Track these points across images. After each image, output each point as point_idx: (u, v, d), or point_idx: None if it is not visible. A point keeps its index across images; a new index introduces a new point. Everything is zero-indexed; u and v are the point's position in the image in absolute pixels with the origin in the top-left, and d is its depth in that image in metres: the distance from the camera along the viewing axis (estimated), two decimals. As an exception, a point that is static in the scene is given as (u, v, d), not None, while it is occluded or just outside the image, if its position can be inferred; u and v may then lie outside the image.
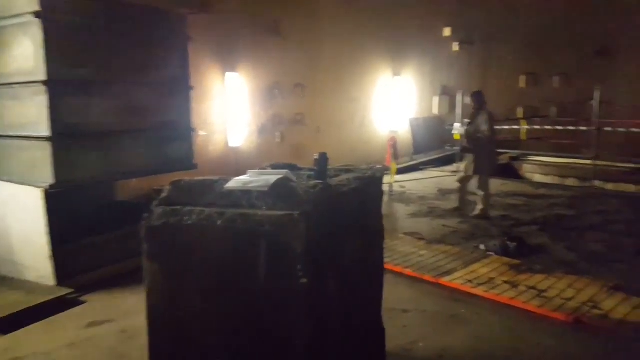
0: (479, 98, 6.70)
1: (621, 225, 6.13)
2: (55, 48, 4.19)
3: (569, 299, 3.92)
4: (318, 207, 2.00)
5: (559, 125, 10.58)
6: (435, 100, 12.42)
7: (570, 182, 10.47)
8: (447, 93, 12.35)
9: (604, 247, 5.31)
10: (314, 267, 1.98)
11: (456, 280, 4.43)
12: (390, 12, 10.75)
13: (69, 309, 4.02)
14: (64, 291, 4.22)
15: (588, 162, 9.83)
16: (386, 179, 8.05)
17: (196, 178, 2.53)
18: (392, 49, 11.15)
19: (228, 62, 8.71)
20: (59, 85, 4.25)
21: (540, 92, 13.61)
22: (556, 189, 8.86)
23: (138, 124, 5.12)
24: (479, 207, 6.70)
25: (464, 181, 6.88)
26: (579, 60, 13.13)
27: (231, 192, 2.21)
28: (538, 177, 11.26)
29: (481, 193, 6.68)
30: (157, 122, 5.34)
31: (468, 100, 6.79)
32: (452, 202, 7.28)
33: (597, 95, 8.65)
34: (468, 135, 6.71)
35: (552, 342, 3.42)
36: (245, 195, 2.17)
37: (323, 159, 2.54)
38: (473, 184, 6.80)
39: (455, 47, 12.59)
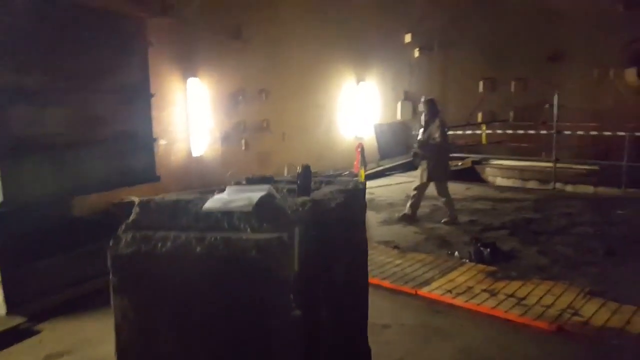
0: (431, 105, 6.79)
1: (587, 227, 6.26)
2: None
3: (549, 306, 3.91)
4: (309, 228, 1.82)
5: (519, 129, 10.85)
6: (399, 105, 12.49)
7: (531, 184, 10.74)
8: (409, 98, 12.45)
9: (573, 250, 5.38)
10: (307, 295, 1.79)
11: (435, 290, 4.34)
12: (352, 18, 10.72)
13: (23, 340, 3.65)
14: (16, 320, 3.84)
15: (547, 164, 10.12)
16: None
17: (167, 197, 2.29)
18: (355, 55, 11.13)
19: (189, 68, 8.40)
20: (4, 94, 3.89)
21: (499, 97, 13.94)
22: (520, 192, 9.03)
23: (95, 134, 4.79)
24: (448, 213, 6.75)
25: (419, 189, 6.87)
26: (534, 65, 13.54)
27: (210, 214, 2.00)
28: (500, 181, 11.49)
29: (443, 199, 6.74)
30: (116, 132, 5.02)
31: (421, 107, 6.86)
32: (422, 208, 7.25)
33: (555, 99, 8.88)
34: (421, 142, 6.76)
35: (538, 351, 3.38)
36: (226, 216, 1.96)
37: (307, 172, 2.37)
38: (433, 191, 6.84)
39: (416, 53, 12.73)
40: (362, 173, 8.11)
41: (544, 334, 3.56)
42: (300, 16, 10.02)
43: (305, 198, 2.08)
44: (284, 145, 10.00)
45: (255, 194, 2.08)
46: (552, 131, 8.95)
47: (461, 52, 13.22)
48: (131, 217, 2.10)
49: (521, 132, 10.13)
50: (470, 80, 13.72)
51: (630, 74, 13.02)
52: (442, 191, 6.72)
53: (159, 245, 1.85)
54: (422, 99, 6.93)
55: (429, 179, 6.69)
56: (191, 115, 8.49)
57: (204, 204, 2.07)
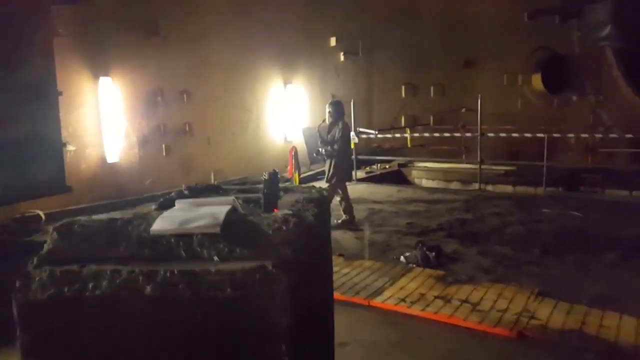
0: (337, 108, 6.82)
1: (518, 226, 6.43)
2: None
3: (504, 311, 3.82)
4: (297, 251, 1.44)
5: (439, 132, 11.11)
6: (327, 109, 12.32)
7: (454, 185, 11.07)
8: (337, 102, 12.31)
9: (512, 250, 5.44)
10: (297, 338, 1.40)
11: (388, 300, 4.11)
12: (278, 18, 10.38)
13: None
14: None
15: (469, 165, 10.48)
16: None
17: (95, 217, 1.77)
18: (282, 57, 10.79)
19: (101, 65, 7.56)
20: None
21: (419, 102, 14.33)
22: (449, 193, 9.21)
23: (-11, 138, 4.00)
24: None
25: (341, 192, 6.77)
26: (450, 72, 14.10)
27: (159, 238, 1.54)
28: (425, 182, 11.74)
29: (338, 199, 6.71)
30: (15, 136, 4.24)
31: (327, 108, 6.81)
32: (358, 212, 7.09)
33: (479, 103, 9.17)
34: (325, 144, 6.72)
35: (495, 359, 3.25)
36: (181, 241, 1.51)
37: (274, 179, 1.97)
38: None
39: (341, 57, 12.67)
40: (297, 177, 7.78)
41: (506, 341, 3.45)
42: (222, 14, 9.48)
43: (286, 212, 1.69)
44: (209, 150, 9.39)
45: (217, 208, 1.65)
46: (477, 134, 9.21)
47: (384, 58, 13.38)
48: (46, 246, 1.57)
49: (447, 135, 10.35)
50: (393, 85, 13.96)
51: (536, 79, 14.01)
52: (334, 193, 6.65)
53: (90, 285, 1.35)
54: (351, 102, 6.90)
55: (328, 181, 6.63)
56: (104, 118, 7.66)
57: (149, 225, 1.60)
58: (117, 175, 7.79)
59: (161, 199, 2.35)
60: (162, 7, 8.45)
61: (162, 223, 1.58)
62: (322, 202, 2.34)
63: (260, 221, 1.58)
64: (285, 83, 10.97)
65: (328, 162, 6.74)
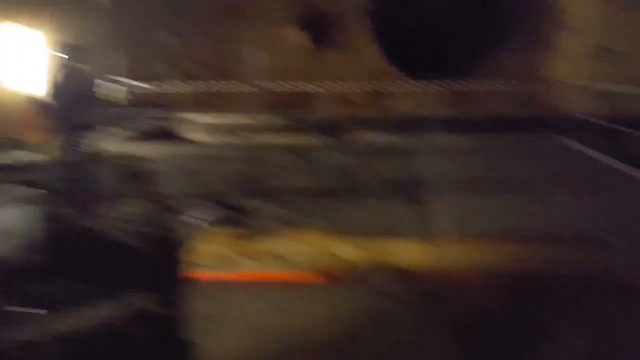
0: (76, 54, 5.44)
1: (306, 177, 6.71)
2: None
3: (310, 257, 3.90)
4: None
5: (219, 85, 10.65)
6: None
7: (232, 139, 10.90)
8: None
9: (307, 199, 5.61)
10: None
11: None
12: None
13: None
14: None
15: (246, 121, 10.41)
16: None
17: None
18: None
19: None
20: None
21: (188, 50, 13.39)
22: (230, 149, 8.95)
23: None
24: None
25: None
26: (216, 19, 13.52)
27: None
28: (202, 137, 11.20)
29: None
30: None
31: (63, 53, 5.33)
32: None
33: (253, 55, 8.97)
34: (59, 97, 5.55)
35: (317, 307, 3.26)
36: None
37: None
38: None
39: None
40: (44, 139, 6.25)
41: (320, 288, 3.51)
42: None
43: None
44: None
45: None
46: (253, 89, 9.12)
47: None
48: None
49: (223, 88, 9.98)
50: (156, 29, 12.66)
51: (298, 33, 14.55)
52: None
53: None
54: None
55: None
56: None
57: None
58: None
59: None
60: None
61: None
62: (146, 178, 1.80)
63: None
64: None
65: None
